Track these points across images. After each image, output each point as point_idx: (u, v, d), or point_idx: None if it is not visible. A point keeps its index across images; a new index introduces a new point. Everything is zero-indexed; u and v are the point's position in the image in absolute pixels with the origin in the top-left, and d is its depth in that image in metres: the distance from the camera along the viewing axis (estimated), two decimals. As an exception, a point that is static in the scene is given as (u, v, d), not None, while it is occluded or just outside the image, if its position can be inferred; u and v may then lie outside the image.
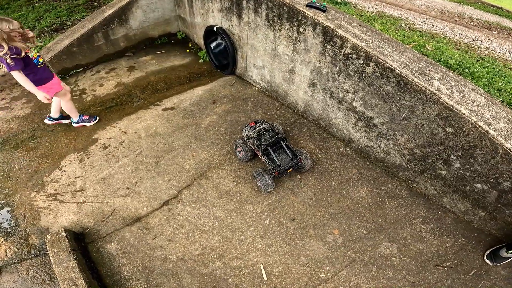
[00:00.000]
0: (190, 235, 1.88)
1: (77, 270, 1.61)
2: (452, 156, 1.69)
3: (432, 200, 2.01)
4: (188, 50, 3.86)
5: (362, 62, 1.89)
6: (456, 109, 1.53)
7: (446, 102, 1.56)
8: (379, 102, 1.95)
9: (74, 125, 2.69)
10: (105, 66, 3.57)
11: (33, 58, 2.10)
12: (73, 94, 3.12)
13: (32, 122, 2.76)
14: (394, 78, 1.75)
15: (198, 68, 3.54)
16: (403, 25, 3.05)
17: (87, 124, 2.70)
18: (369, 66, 1.86)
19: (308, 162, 2.13)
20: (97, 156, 2.41)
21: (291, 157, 2.06)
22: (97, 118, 2.75)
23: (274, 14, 2.40)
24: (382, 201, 2.04)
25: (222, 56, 3.35)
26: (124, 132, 2.63)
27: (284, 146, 2.10)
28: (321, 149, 2.43)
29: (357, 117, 2.19)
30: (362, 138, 2.25)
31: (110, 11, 3.48)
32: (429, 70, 1.73)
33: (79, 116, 2.66)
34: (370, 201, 2.04)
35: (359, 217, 1.96)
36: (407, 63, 1.76)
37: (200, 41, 3.70)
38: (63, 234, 1.75)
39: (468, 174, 1.67)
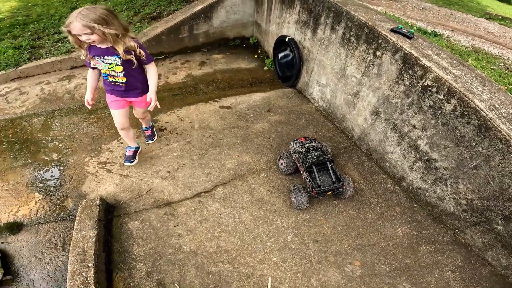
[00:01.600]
0: (211, 231, 1.89)
1: (92, 240, 1.67)
2: (516, 213, 1.41)
3: (474, 251, 1.78)
4: (256, 56, 3.97)
5: (442, 97, 1.66)
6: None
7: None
8: (450, 144, 1.70)
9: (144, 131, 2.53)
10: (182, 57, 3.90)
11: None
12: (149, 76, 3.47)
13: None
14: (477, 121, 1.50)
15: (261, 75, 3.60)
16: (501, 64, 2.63)
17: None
18: (450, 103, 1.62)
19: (350, 190, 2.00)
20: (152, 136, 2.62)
21: (333, 180, 1.95)
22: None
23: (351, 33, 2.29)
24: (418, 244, 1.84)
25: (287, 68, 3.35)
26: (181, 120, 2.81)
27: (330, 168, 1.99)
28: (367, 181, 2.24)
29: (417, 156, 1.95)
30: (417, 179, 2.01)
31: (199, 7, 3.81)
32: (523, 119, 1.43)
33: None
34: (405, 241, 1.85)
35: (387, 254, 1.79)
36: (497, 106, 1.48)
37: (269, 49, 3.77)
38: (97, 202, 1.88)
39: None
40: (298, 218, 1.97)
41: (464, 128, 1.59)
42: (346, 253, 1.79)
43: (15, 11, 5.59)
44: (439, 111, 1.70)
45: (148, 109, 1.91)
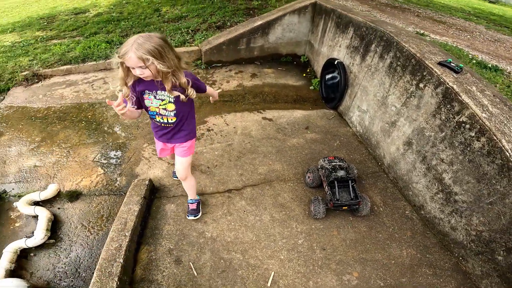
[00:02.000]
0: (232, 223, 2.12)
1: (135, 214, 1.93)
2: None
3: (471, 279, 1.80)
4: (304, 74, 4.18)
5: (473, 134, 1.68)
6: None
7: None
8: (472, 180, 1.72)
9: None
10: (236, 67, 4.32)
11: None
12: (206, 82, 3.94)
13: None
14: (500, 161, 1.52)
15: (306, 94, 3.79)
16: None
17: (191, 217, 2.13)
18: (479, 141, 1.64)
19: (367, 208, 2.10)
20: (199, 133, 2.99)
21: (352, 197, 2.07)
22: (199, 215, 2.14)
23: (398, 63, 2.37)
24: (418, 266, 1.90)
25: (332, 90, 3.48)
26: (227, 124, 3.15)
27: (351, 187, 2.11)
28: (386, 205, 2.31)
29: (440, 188, 1.97)
30: (435, 209, 2.04)
31: (259, 22, 4.18)
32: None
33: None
34: (407, 262, 1.91)
35: (386, 270, 1.86)
36: None
37: (318, 70, 3.94)
38: (146, 182, 2.21)
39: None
40: (312, 226, 2.11)
41: (488, 166, 1.60)
42: (348, 263, 1.89)
43: (112, 7, 6.65)
44: (468, 148, 1.71)
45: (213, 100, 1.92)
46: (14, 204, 2.28)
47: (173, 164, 2.63)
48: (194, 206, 2.14)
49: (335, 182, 2.12)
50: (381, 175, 2.58)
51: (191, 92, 1.53)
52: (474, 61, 2.85)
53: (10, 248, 1.96)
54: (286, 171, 2.58)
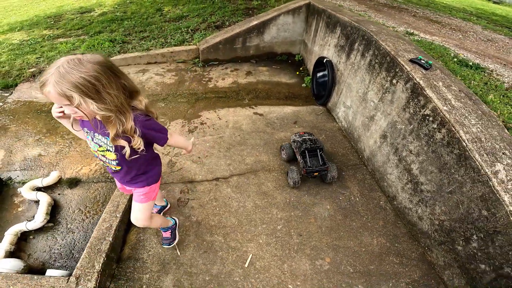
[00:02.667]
0: (217, 209, 2.28)
1: (127, 197, 2.04)
2: (474, 236, 1.58)
3: (435, 269, 1.90)
4: (297, 72, 4.32)
5: (435, 126, 1.81)
6: (499, 195, 1.40)
7: (494, 187, 1.42)
8: (434, 170, 1.84)
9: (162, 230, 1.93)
10: (232, 65, 4.49)
11: None
12: (202, 80, 4.12)
13: (173, 88, 3.87)
14: (458, 151, 1.64)
15: (298, 91, 3.94)
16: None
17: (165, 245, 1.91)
18: (440, 133, 1.77)
19: (333, 173, 2.40)
20: (193, 126, 3.17)
21: (321, 164, 2.41)
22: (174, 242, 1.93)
23: (376, 61, 2.50)
24: (387, 254, 2.02)
25: (322, 87, 3.62)
26: (219, 118, 3.32)
27: (319, 155, 2.46)
28: (363, 195, 2.45)
29: (409, 178, 2.09)
30: (405, 199, 2.16)
31: (255, 22, 4.34)
32: (503, 153, 1.52)
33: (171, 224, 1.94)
34: (376, 250, 2.04)
35: (356, 257, 2.00)
36: (482, 139, 1.59)
37: (310, 68, 4.09)
38: None
39: (479, 254, 1.55)
40: (292, 214, 2.26)
41: (447, 156, 1.72)
42: (322, 249, 2.03)
43: (116, 6, 6.87)
44: (431, 139, 1.84)
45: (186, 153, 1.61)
46: (18, 189, 2.48)
47: (166, 154, 2.80)
48: (167, 234, 1.88)
49: (306, 152, 2.44)
50: (361, 167, 2.72)
51: (138, 143, 1.12)
52: (456, 59, 2.95)
53: (12, 230, 2.07)
54: (272, 162, 2.74)
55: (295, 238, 2.10)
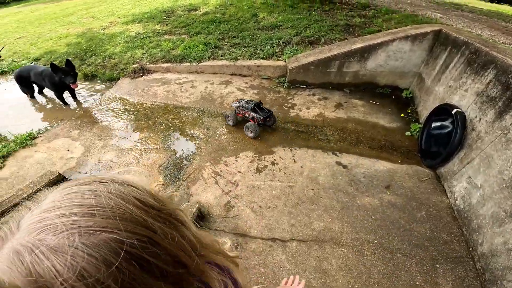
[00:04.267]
0: (262, 277, 1.89)
1: None
2: None
3: None
4: (402, 115, 3.43)
5: None
6: None
7: None
8: None
9: None
10: (321, 92, 3.91)
11: None
12: (285, 105, 3.69)
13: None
14: None
15: (399, 140, 3.10)
16: None
17: None
18: None
19: (274, 118, 3.19)
20: (262, 165, 2.79)
21: (267, 112, 3.04)
22: None
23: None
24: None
25: (436, 142, 2.73)
26: (294, 161, 2.84)
27: (263, 108, 3.10)
28: None
29: None
30: None
31: (358, 45, 3.64)
32: None
33: None
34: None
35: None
36: None
37: (423, 112, 3.18)
38: (193, 210, 2.18)
39: None
40: None
41: None
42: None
43: (218, 7, 7.02)
44: None
45: None
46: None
47: (227, 193, 2.51)
48: None
49: (256, 107, 3.04)
50: (466, 262, 1.95)
51: None
52: None
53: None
54: (345, 234, 2.15)
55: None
